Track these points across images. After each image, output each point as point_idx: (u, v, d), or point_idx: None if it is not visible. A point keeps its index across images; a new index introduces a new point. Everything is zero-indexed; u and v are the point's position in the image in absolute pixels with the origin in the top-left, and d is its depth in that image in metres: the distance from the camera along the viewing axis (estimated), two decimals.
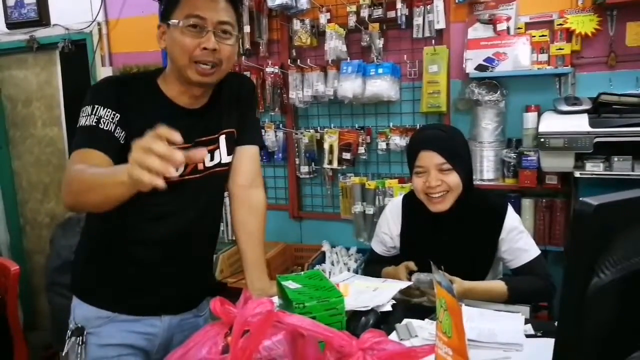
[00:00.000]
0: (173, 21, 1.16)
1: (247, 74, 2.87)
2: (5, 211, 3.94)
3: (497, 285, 1.41)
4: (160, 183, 0.81)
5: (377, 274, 1.54)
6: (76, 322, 1.28)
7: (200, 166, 1.27)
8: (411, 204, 1.57)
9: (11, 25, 3.51)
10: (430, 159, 1.42)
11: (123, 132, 1.16)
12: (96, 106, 1.15)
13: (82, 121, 1.15)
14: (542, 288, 1.43)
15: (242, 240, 1.39)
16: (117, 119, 1.15)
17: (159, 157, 0.80)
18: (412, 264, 1.47)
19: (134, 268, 1.26)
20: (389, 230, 1.62)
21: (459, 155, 1.45)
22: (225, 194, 1.44)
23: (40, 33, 3.46)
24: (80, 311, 1.28)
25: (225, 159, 1.33)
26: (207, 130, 1.28)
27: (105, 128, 1.14)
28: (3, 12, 3.50)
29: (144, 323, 1.28)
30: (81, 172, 1.05)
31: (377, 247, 1.67)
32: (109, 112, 1.15)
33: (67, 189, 1.07)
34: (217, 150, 1.30)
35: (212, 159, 1.29)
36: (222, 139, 1.31)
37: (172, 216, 1.25)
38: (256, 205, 1.41)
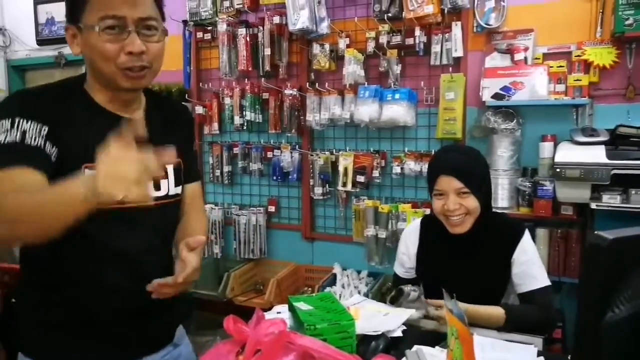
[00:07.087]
0: (86, 23, 0.95)
1: (266, 95, 2.94)
2: None
3: (494, 310, 1.40)
4: (144, 195, 0.73)
5: None
6: None
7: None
8: (430, 224, 1.59)
9: (41, 42, 3.65)
10: (449, 183, 1.44)
11: (55, 149, 0.95)
12: (17, 119, 0.92)
13: (0, 138, 0.91)
14: (541, 320, 1.42)
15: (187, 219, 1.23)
16: (45, 131, 0.94)
17: (135, 165, 0.72)
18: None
19: (101, 315, 1.06)
20: (406, 250, 1.64)
21: (478, 178, 1.47)
22: None
23: (68, 50, 3.55)
24: None
25: (173, 190, 1.15)
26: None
27: (32, 144, 0.92)
28: (35, 29, 3.64)
29: None
30: (16, 195, 0.84)
31: (398, 269, 1.69)
32: (34, 124, 0.93)
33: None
34: (166, 180, 1.12)
35: (158, 188, 1.10)
36: (170, 168, 1.13)
37: (126, 257, 1.07)
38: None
